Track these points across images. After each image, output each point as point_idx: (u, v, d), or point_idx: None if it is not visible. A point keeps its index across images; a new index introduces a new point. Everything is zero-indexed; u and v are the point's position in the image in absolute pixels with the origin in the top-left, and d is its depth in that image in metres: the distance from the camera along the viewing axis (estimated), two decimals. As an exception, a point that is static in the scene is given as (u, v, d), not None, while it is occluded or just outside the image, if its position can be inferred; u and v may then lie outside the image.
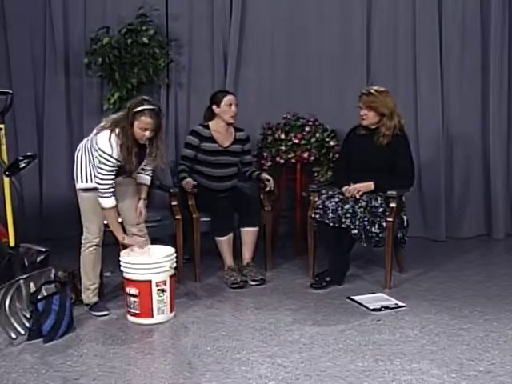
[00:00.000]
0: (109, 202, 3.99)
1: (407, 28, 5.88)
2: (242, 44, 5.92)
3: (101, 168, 3.93)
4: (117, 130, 3.93)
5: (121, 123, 3.95)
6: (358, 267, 5.01)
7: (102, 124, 4.05)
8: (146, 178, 4.24)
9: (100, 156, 3.92)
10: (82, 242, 4.13)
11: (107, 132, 3.94)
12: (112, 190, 3.98)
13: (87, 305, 4.16)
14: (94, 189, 4.01)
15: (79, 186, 4.08)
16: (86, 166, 4.05)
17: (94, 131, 4.05)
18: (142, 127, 3.94)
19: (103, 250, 4.20)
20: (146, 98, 4.06)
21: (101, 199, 3.98)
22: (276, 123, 5.70)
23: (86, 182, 4.05)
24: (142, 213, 4.22)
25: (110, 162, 3.91)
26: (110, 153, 3.90)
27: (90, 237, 4.10)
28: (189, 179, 4.78)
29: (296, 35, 5.95)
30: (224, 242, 4.72)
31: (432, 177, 5.90)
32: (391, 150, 4.61)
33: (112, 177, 3.96)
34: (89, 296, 4.15)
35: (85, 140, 4.15)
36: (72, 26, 5.92)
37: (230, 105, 4.89)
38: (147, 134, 3.96)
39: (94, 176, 3.98)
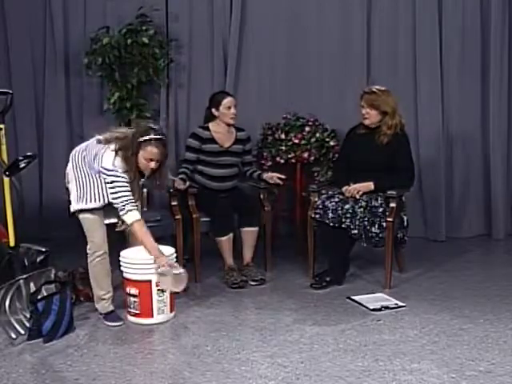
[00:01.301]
0: (132, 216, 3.87)
1: (407, 28, 5.87)
2: (242, 44, 5.92)
3: (115, 184, 3.85)
4: (120, 155, 3.86)
5: (124, 150, 3.86)
6: (357, 267, 5.01)
7: (101, 138, 3.97)
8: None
9: (110, 175, 3.85)
10: (89, 252, 3.98)
11: (111, 155, 3.87)
12: (132, 203, 3.87)
13: (100, 314, 4.03)
14: (93, 209, 3.95)
15: (77, 206, 3.96)
16: (82, 187, 3.96)
17: (95, 148, 3.95)
18: (148, 158, 3.88)
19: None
20: (153, 125, 4.00)
21: (124, 216, 3.87)
22: (276, 123, 5.71)
23: (84, 203, 3.95)
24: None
25: (122, 177, 3.85)
26: (117, 169, 3.85)
27: (96, 246, 3.96)
28: (176, 179, 4.74)
29: (296, 35, 5.95)
30: (224, 242, 4.72)
31: (432, 177, 5.89)
32: (391, 150, 4.61)
33: (128, 191, 3.86)
34: (104, 306, 4.02)
35: (77, 154, 4.04)
36: (72, 25, 5.93)
37: (229, 107, 4.87)
38: (152, 164, 3.91)
39: (110, 194, 3.88)
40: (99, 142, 3.98)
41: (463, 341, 3.64)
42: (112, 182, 3.87)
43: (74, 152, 4.10)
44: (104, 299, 4.02)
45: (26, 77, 5.93)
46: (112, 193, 3.89)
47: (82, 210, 3.98)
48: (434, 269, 5.03)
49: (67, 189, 4.09)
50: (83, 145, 4.09)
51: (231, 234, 4.74)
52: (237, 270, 4.73)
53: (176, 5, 5.90)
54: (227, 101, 4.89)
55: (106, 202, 3.97)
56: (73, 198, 4.00)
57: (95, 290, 4.03)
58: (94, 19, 5.86)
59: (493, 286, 4.60)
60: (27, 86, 5.92)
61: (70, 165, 4.07)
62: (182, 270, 3.91)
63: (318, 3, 5.94)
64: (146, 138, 3.87)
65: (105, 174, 3.89)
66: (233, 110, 4.88)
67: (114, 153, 3.88)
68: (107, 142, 3.95)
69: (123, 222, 4.01)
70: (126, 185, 3.87)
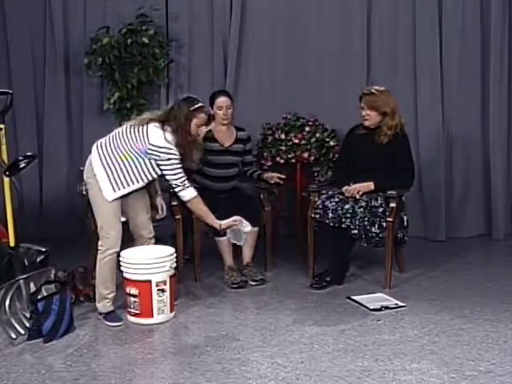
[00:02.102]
0: (190, 193, 3.97)
1: (407, 28, 5.87)
2: (242, 44, 5.92)
3: (172, 162, 3.89)
4: (169, 129, 3.91)
5: (174, 121, 3.92)
6: (357, 267, 5.00)
7: (133, 122, 4.00)
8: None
9: (164, 152, 3.87)
10: (101, 249, 3.97)
11: (158, 131, 3.89)
12: (187, 179, 3.97)
13: (100, 313, 4.02)
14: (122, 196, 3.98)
15: (117, 194, 3.91)
16: (117, 174, 3.91)
17: (131, 133, 3.92)
18: (199, 124, 4.01)
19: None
20: (192, 95, 4.12)
21: (181, 193, 3.96)
22: (276, 123, 5.71)
23: (120, 189, 3.92)
24: (164, 207, 4.24)
25: (175, 153, 3.89)
26: (170, 144, 3.88)
27: (111, 244, 3.95)
28: None
29: (296, 35, 5.95)
30: (223, 242, 4.72)
31: (432, 177, 5.89)
32: (391, 150, 4.61)
33: (182, 167, 3.93)
34: (106, 305, 4.01)
35: (103, 145, 3.97)
36: (72, 25, 5.94)
37: (220, 108, 4.85)
38: (201, 129, 4.05)
39: (165, 171, 3.92)
40: (133, 126, 3.95)
41: (463, 341, 3.64)
42: (168, 160, 3.90)
43: (98, 144, 4.02)
44: (107, 298, 4.02)
45: (26, 77, 5.94)
46: (168, 170, 3.92)
47: (112, 200, 3.94)
48: (434, 269, 5.03)
49: (85, 183, 4.09)
50: (108, 136, 4.03)
51: None
52: (237, 270, 4.73)
53: (176, 5, 5.90)
54: (219, 101, 4.87)
55: (147, 180, 3.99)
56: (107, 187, 3.91)
57: (99, 289, 4.01)
58: (94, 19, 5.86)
59: (493, 286, 4.60)
60: (27, 86, 5.93)
61: (95, 157, 3.97)
62: (245, 228, 4.20)
63: (317, 3, 5.94)
64: (198, 105, 4.01)
65: (157, 151, 3.88)
66: (224, 111, 4.85)
67: (159, 128, 3.90)
68: (149, 121, 3.94)
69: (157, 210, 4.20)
70: (180, 161, 3.93)
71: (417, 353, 3.49)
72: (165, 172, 3.95)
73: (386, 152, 4.60)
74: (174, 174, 3.94)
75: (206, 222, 4.16)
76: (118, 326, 3.96)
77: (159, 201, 4.25)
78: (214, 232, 4.74)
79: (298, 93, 5.92)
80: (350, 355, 3.47)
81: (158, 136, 3.88)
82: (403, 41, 5.90)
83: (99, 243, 3.99)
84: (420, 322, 3.94)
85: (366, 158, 4.65)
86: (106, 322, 3.98)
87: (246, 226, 4.19)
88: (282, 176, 4.99)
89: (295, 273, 4.95)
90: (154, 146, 3.88)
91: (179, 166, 3.94)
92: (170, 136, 3.89)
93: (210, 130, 4.93)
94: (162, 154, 3.89)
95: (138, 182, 3.97)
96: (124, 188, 3.94)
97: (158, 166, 3.94)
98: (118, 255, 4.04)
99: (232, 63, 5.88)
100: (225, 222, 4.14)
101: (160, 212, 4.25)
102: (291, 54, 5.97)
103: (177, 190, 3.99)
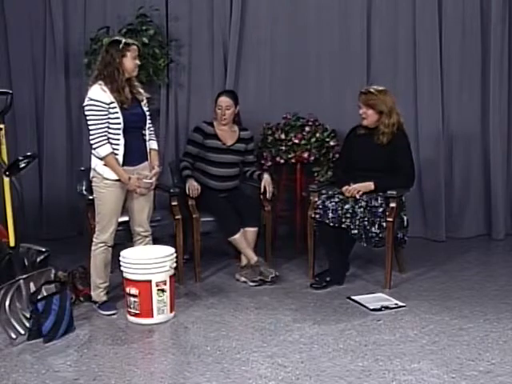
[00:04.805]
0: (105, 150, 3.98)
1: (407, 28, 5.87)
2: (242, 44, 5.91)
3: (91, 117, 3.96)
4: (100, 80, 4.00)
5: (105, 70, 4.00)
6: (357, 267, 5.01)
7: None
8: (151, 143, 4.26)
9: (88, 108, 3.97)
10: (94, 240, 4.12)
11: (91, 87, 4.01)
12: (105, 137, 3.97)
13: (96, 303, 4.17)
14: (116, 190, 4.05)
15: (112, 176, 4.02)
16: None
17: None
18: (134, 56, 4.07)
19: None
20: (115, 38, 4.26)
21: (98, 149, 3.98)
22: (276, 123, 5.71)
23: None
24: (153, 182, 4.17)
25: (98, 106, 3.95)
26: (97, 98, 3.95)
27: (104, 238, 4.09)
28: (194, 183, 4.78)
29: (296, 35, 5.94)
30: (239, 239, 4.70)
31: (432, 177, 5.89)
32: (391, 150, 4.61)
33: (103, 124, 3.96)
34: (99, 294, 4.16)
35: None
36: (72, 26, 5.93)
37: (219, 108, 4.92)
38: (137, 61, 4.10)
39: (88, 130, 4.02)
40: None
41: (463, 341, 3.64)
42: (90, 115, 3.98)
43: None
44: (100, 288, 4.14)
45: (26, 77, 5.93)
46: (88, 125, 4.00)
47: (110, 184, 4.03)
48: (434, 269, 5.03)
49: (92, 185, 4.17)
50: None
51: (242, 230, 4.72)
52: (264, 265, 4.68)
53: (176, 5, 5.90)
54: (219, 100, 4.96)
55: (117, 132, 4.03)
56: (102, 167, 4.04)
57: (93, 278, 4.15)
58: (93, 19, 5.86)
59: (493, 286, 4.61)
60: (27, 86, 5.93)
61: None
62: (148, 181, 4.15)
63: (317, 3, 5.93)
64: (126, 40, 4.11)
65: (86, 108, 4.00)
66: (222, 111, 4.90)
67: (93, 85, 4.02)
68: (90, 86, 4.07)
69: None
70: (102, 118, 3.96)
71: (417, 353, 3.49)
72: (88, 126, 4.02)
73: (386, 152, 4.60)
74: (90, 131, 3.99)
75: (118, 175, 4.04)
76: (113, 314, 4.08)
77: (153, 173, 4.18)
78: (226, 232, 4.73)
79: (297, 93, 5.92)
80: (349, 355, 3.47)
81: (90, 91, 4.01)
82: (403, 41, 5.90)
83: (94, 235, 4.12)
84: (420, 321, 3.94)
85: (366, 158, 4.65)
86: (101, 312, 4.10)
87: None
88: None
89: (295, 273, 4.96)
90: (86, 102, 4.02)
91: (99, 121, 3.96)
92: (101, 87, 3.98)
93: (213, 127, 4.95)
94: (87, 110, 4.00)
95: (116, 139, 4.01)
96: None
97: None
98: (119, 253, 4.05)
99: (232, 63, 5.88)
100: (133, 181, 4.06)
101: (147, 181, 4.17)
102: (291, 53, 5.96)
103: (93, 146, 4.01)
